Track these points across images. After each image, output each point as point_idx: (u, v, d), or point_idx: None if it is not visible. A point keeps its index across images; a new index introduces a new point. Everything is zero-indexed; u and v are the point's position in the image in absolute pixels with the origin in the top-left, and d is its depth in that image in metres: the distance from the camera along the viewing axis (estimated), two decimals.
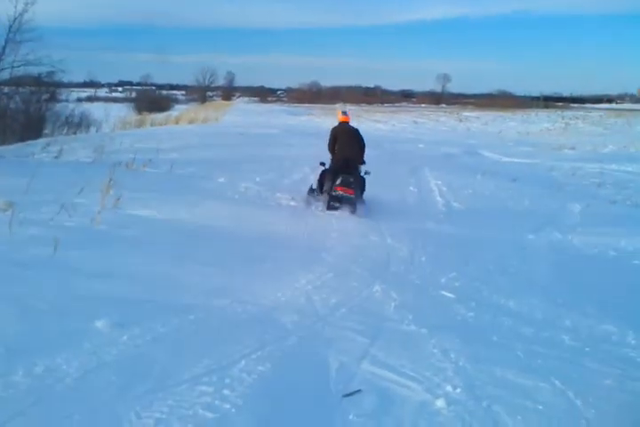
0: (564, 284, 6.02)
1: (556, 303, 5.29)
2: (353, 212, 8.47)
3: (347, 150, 9.05)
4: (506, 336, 4.41)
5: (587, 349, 4.28)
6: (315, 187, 9.46)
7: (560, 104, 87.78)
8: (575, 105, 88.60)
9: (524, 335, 4.47)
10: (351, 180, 8.61)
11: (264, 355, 3.71)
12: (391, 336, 4.23)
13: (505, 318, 4.83)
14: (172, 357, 3.56)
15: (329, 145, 9.37)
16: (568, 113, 56.22)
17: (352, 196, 8.50)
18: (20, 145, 17.35)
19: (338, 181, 8.60)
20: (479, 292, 5.49)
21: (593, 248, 7.47)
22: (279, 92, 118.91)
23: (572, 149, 20.96)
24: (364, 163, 9.22)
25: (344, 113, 9.90)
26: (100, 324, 3.88)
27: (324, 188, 8.95)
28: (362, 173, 9.14)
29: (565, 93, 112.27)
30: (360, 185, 8.98)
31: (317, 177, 9.39)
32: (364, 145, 9.27)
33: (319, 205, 8.86)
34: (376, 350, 3.96)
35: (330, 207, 8.62)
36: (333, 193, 8.58)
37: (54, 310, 4.08)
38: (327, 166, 9.17)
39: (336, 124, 9.63)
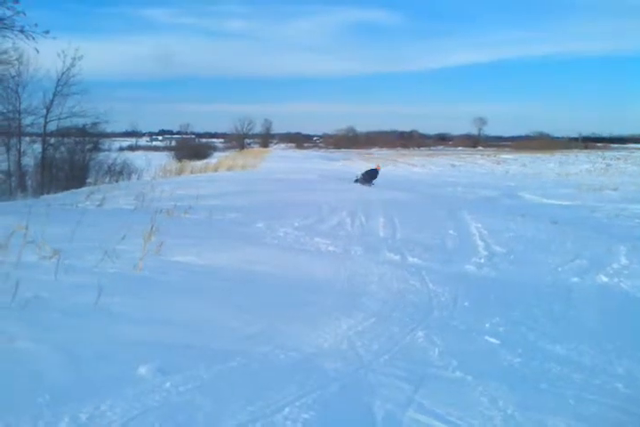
0: (612, 329, 5.83)
1: (606, 349, 5.12)
2: (371, 185, 21.28)
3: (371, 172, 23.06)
4: (555, 383, 4.26)
5: None
6: (358, 179, 22.29)
7: (600, 145, 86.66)
8: (616, 145, 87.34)
9: (574, 382, 4.32)
10: (372, 179, 22.19)
11: (308, 402, 3.65)
12: (436, 383, 4.13)
13: (553, 364, 4.68)
14: (215, 404, 3.53)
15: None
16: (609, 153, 55.51)
17: (372, 182, 21.95)
18: (65, 193, 17.89)
19: (368, 178, 22.24)
20: (525, 337, 5.35)
21: None
22: (315, 138, 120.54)
23: (615, 189, 20.60)
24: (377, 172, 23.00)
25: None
26: (143, 370, 3.88)
27: (364, 180, 21.92)
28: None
29: (605, 134, 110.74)
30: (374, 178, 22.32)
31: (361, 177, 22.34)
32: (377, 170, 23.17)
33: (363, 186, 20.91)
34: (421, 397, 3.86)
35: (365, 184, 21.29)
36: (368, 182, 21.92)
37: (98, 357, 4.10)
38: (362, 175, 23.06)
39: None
